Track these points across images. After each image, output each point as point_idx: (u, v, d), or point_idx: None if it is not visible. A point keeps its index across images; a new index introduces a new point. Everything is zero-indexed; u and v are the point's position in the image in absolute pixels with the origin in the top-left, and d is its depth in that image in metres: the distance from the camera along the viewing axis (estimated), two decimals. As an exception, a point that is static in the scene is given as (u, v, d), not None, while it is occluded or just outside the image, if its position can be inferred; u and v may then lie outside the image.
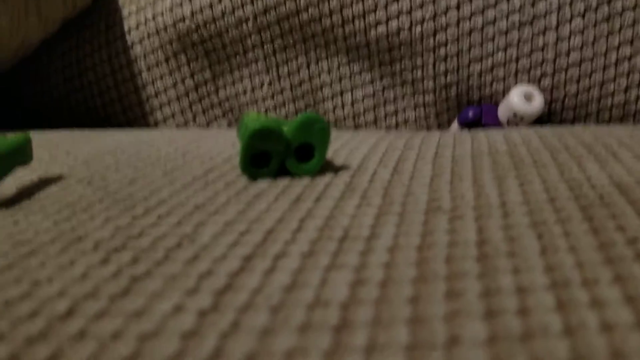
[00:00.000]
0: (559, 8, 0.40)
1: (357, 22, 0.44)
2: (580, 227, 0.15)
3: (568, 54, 0.41)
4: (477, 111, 0.44)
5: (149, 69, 0.50)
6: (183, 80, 0.50)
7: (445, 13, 0.42)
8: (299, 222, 0.17)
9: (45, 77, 0.54)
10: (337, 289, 0.13)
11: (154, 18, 0.48)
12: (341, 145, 0.27)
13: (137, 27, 0.49)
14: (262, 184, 0.21)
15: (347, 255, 0.14)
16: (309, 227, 0.16)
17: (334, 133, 0.31)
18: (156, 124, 0.52)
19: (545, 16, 0.40)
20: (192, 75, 0.50)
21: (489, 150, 0.24)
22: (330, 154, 0.25)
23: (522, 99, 0.40)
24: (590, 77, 0.41)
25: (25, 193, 0.22)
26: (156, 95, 0.51)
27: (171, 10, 0.47)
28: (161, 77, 0.50)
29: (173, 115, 0.51)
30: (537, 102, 0.41)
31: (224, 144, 0.29)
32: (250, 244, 0.15)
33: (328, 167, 0.23)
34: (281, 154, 0.21)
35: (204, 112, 0.51)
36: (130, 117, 0.52)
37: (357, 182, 0.20)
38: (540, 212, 0.17)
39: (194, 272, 0.14)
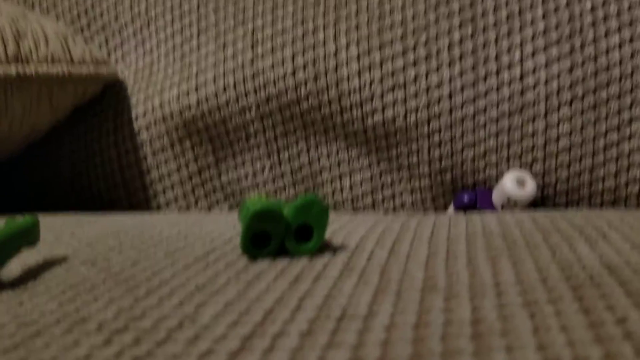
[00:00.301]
0: (547, 98, 0.42)
1: (354, 110, 0.46)
2: (571, 307, 0.16)
3: (557, 140, 0.43)
4: (472, 196, 0.45)
5: (154, 154, 0.52)
6: (187, 165, 0.51)
7: (438, 102, 0.44)
8: (298, 302, 0.17)
9: (53, 162, 0.55)
10: (334, 367, 0.13)
11: (161, 106, 0.50)
12: (340, 227, 0.28)
13: (145, 114, 0.51)
14: (262, 264, 0.22)
15: (345, 334, 0.15)
16: (308, 306, 0.17)
17: (332, 215, 0.32)
18: (159, 208, 0.53)
19: (534, 105, 0.43)
20: (195, 160, 0.51)
21: (483, 231, 0.25)
22: (328, 234, 0.26)
23: (515, 184, 0.42)
24: (580, 163, 0.42)
25: (31, 274, 0.22)
26: (160, 179, 0.52)
27: (178, 99, 0.50)
28: (166, 162, 0.52)
29: (176, 199, 0.52)
30: (530, 187, 0.42)
31: (225, 226, 0.29)
32: (250, 323, 0.16)
33: (327, 248, 0.24)
34: (281, 234, 0.22)
35: (206, 196, 0.52)
36: (134, 201, 0.54)
37: (354, 262, 0.21)
38: (533, 291, 0.17)
39: (194, 351, 0.14)
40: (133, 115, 0.52)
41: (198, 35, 0.50)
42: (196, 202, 0.52)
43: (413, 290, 0.18)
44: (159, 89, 0.51)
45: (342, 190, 0.49)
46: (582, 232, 0.24)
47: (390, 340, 0.14)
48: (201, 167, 0.51)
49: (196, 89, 0.49)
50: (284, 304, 0.17)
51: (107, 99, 0.53)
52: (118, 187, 0.54)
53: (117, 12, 0.52)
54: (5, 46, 0.42)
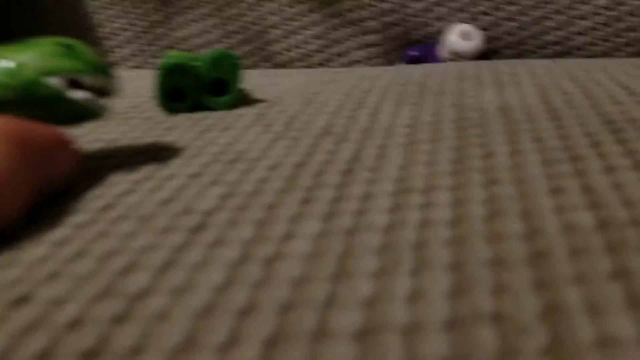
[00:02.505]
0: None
1: (303, -39, 0.44)
2: (444, 145, 0.17)
3: (507, -11, 0.42)
4: (420, 50, 0.45)
5: (103, 8, 0.50)
6: (136, 21, 0.50)
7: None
8: (198, 150, 0.18)
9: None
10: (207, 200, 0.14)
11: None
12: (270, 82, 0.28)
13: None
14: (178, 118, 0.22)
15: (230, 174, 0.16)
16: (206, 152, 0.18)
17: (270, 72, 0.32)
18: (113, 65, 0.53)
19: (484, -49, 0.41)
20: (146, 16, 0.50)
21: (405, 82, 0.26)
22: (254, 89, 0.27)
23: (459, 37, 0.42)
24: (528, 14, 0.42)
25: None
26: (110, 36, 0.51)
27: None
28: (117, 18, 0.50)
29: (133, 56, 0.52)
30: (476, 40, 0.42)
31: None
32: (145, 168, 0.17)
33: (246, 101, 0.24)
34: (195, 89, 0.22)
35: (161, 53, 0.51)
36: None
37: (267, 114, 0.22)
38: (419, 133, 0.18)
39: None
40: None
41: None
42: (152, 59, 0.52)
43: (309, 136, 0.19)
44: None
45: (293, 47, 0.48)
46: (498, 79, 0.25)
47: (269, 178, 0.15)
48: (151, 23, 0.50)
49: (135, -58, 0.46)
50: (183, 151, 0.18)
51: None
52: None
53: None
54: None
